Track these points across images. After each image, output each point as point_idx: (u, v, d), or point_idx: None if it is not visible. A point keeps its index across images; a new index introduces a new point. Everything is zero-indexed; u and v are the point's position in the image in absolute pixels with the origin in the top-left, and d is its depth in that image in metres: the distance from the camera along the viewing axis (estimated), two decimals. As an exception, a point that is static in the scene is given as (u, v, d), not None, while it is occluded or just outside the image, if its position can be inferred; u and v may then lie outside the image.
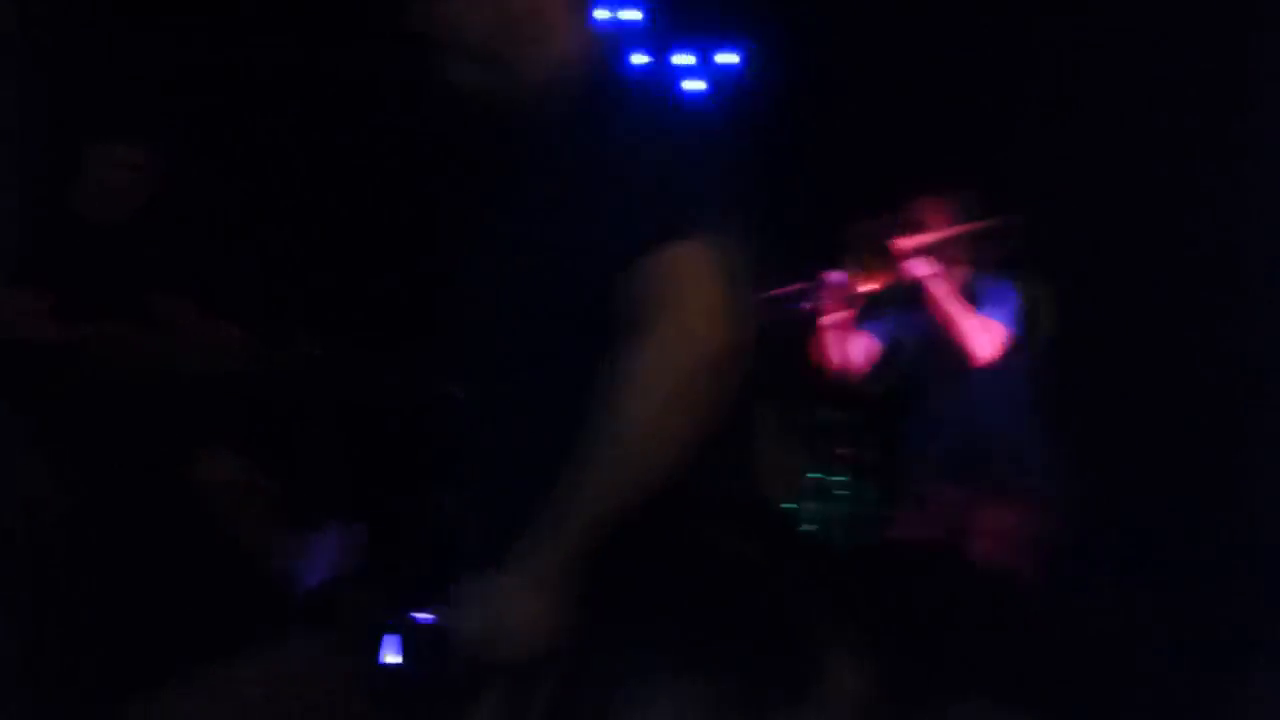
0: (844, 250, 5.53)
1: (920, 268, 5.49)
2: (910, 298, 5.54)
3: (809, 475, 6.82)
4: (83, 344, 4.95)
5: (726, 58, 7.35)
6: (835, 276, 5.62)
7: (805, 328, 5.64)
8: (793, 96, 7.06)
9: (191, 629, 4.01)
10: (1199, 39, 5.99)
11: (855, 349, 5.70)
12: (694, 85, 7.38)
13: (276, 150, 6.68)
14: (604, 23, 7.33)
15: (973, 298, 5.53)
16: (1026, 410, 5.57)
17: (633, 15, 7.40)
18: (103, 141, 5.19)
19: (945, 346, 5.51)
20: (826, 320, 5.66)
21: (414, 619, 5.65)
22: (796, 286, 5.62)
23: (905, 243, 5.48)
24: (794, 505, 6.79)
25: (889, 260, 5.47)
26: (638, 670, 1.51)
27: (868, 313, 5.66)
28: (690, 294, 2.16)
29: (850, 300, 5.63)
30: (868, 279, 5.54)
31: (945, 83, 6.64)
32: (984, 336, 5.45)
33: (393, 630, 5.61)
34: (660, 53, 7.39)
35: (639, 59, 7.38)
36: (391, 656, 5.63)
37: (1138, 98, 6.22)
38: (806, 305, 5.60)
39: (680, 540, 1.61)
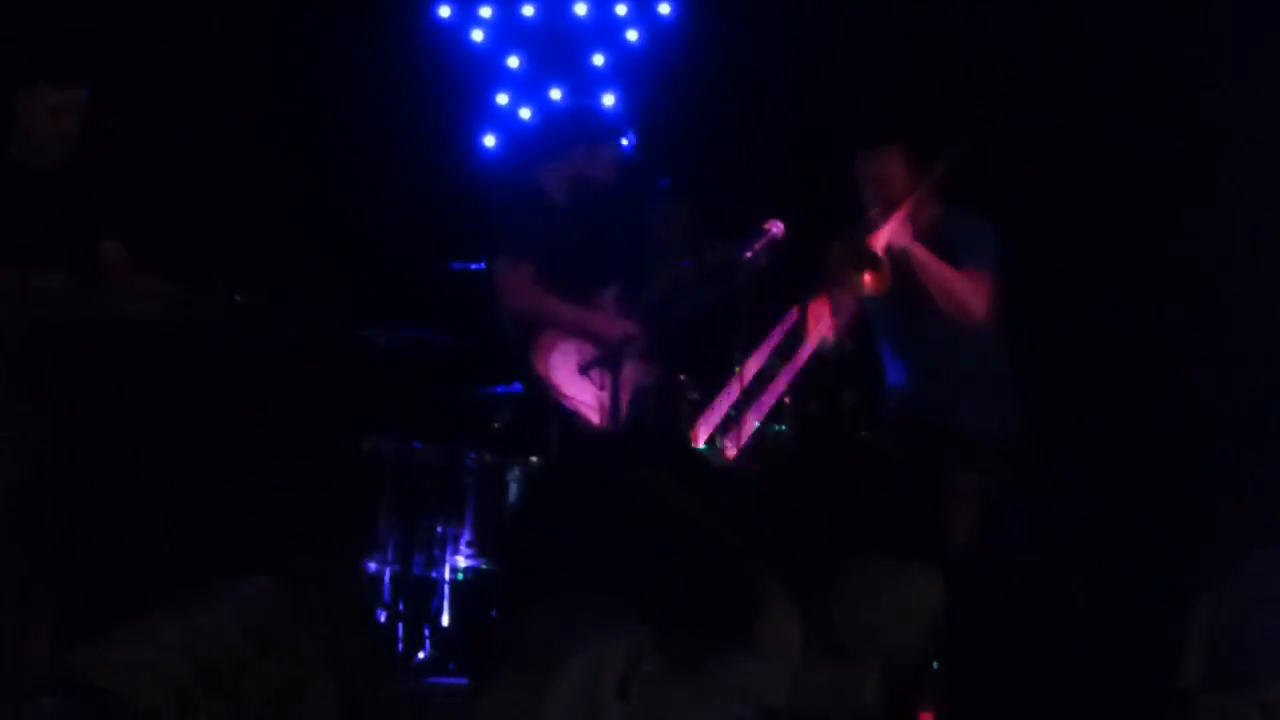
0: (826, 271, 5.55)
1: (899, 238, 5.47)
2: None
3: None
4: (28, 292, 4.93)
5: (662, 8, 7.31)
6: (777, 226, 5.60)
7: (751, 280, 5.61)
8: (730, 46, 7.03)
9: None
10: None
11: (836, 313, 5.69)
12: (631, 36, 7.33)
13: (203, 95, 6.62)
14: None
15: (948, 241, 5.51)
16: (990, 351, 5.59)
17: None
18: (33, 87, 5.16)
19: (908, 302, 5.52)
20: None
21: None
22: (743, 243, 5.60)
23: (882, 237, 5.47)
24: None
25: (875, 262, 5.46)
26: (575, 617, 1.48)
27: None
28: None
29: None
30: (859, 288, 5.54)
31: (886, 26, 6.61)
32: (974, 294, 5.44)
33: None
34: (597, 2, 7.33)
35: (578, 10, 7.31)
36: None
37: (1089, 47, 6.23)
38: (749, 255, 5.57)
39: (617, 490, 1.57)
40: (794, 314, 5.77)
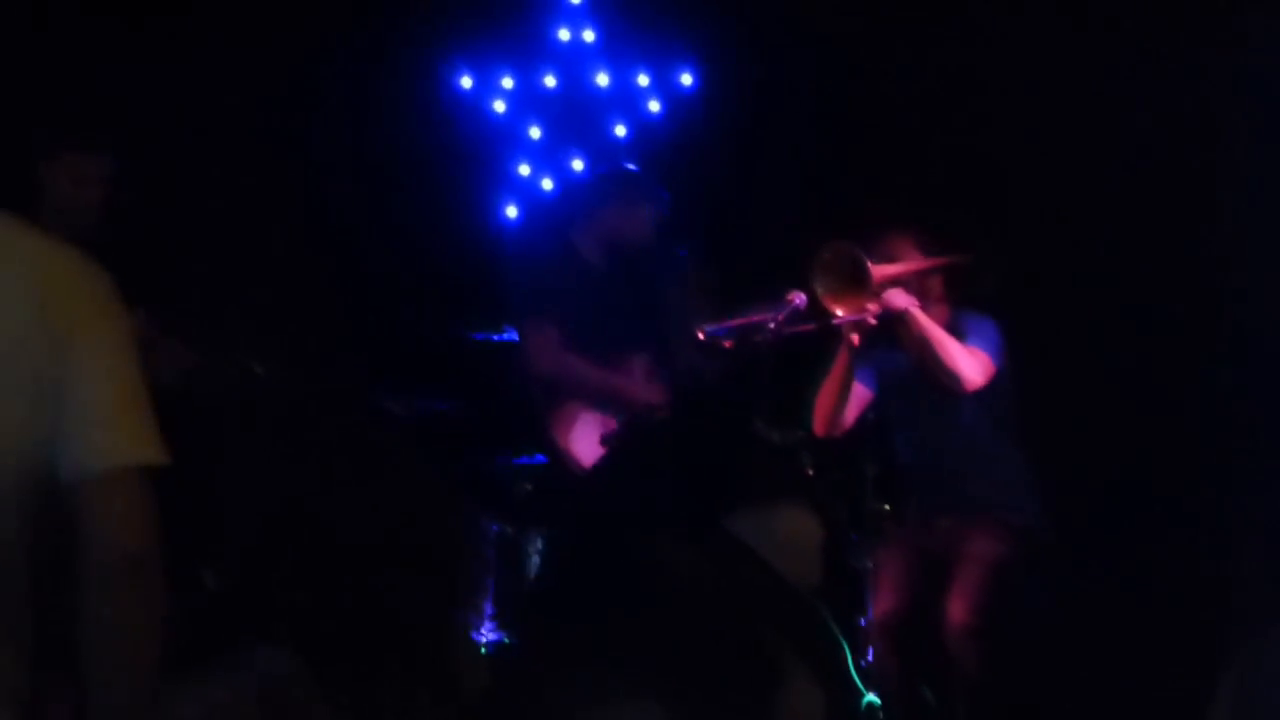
0: (813, 271, 5.49)
1: (898, 299, 5.47)
2: (886, 332, 5.52)
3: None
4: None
5: (683, 79, 7.33)
6: (800, 298, 5.58)
7: (773, 350, 5.60)
8: (750, 116, 7.05)
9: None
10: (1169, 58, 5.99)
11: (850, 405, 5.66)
12: (650, 106, 7.36)
13: (224, 162, 6.66)
14: (562, 44, 7.33)
15: (954, 334, 5.51)
16: (1007, 432, 5.57)
17: (589, 36, 7.37)
18: (58, 155, 5.17)
19: (924, 377, 5.49)
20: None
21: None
22: (762, 313, 5.58)
23: (881, 271, 5.45)
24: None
25: (863, 286, 5.44)
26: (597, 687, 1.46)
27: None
28: None
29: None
30: (841, 304, 5.49)
31: (904, 104, 6.63)
32: (971, 363, 5.43)
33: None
34: (617, 74, 7.35)
35: (598, 81, 7.34)
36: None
37: (1105, 131, 6.22)
38: (772, 325, 5.55)
39: (633, 564, 1.56)
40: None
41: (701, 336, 5.64)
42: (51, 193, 5.20)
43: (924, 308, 5.53)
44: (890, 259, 5.54)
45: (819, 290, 5.48)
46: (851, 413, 5.66)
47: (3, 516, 2.17)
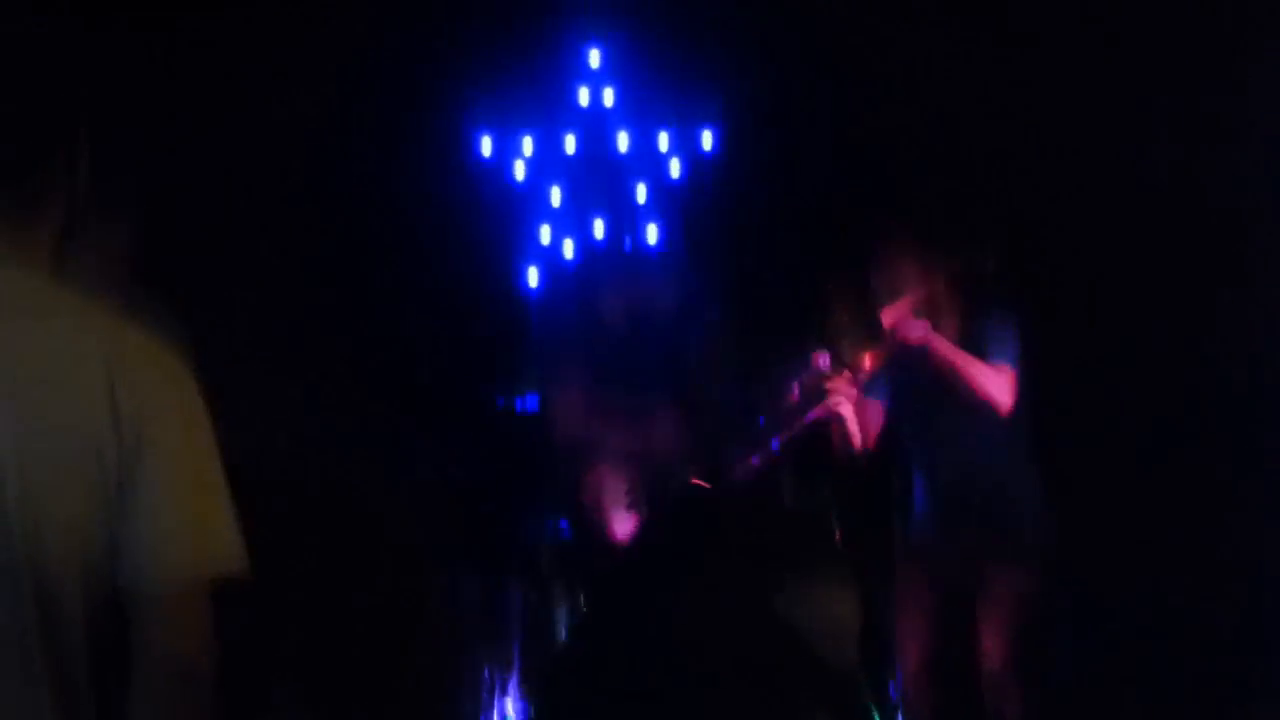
0: (831, 328, 5.49)
1: (914, 331, 5.44)
2: (905, 358, 5.50)
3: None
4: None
5: (704, 140, 7.34)
6: (825, 360, 5.58)
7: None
8: (770, 179, 7.07)
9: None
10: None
11: (868, 424, 5.64)
12: (671, 168, 7.36)
13: (241, 230, 6.67)
14: (581, 106, 7.34)
15: (971, 336, 5.48)
16: (1024, 457, 5.53)
17: (609, 98, 7.37)
18: (84, 225, 5.18)
19: (941, 400, 5.47)
20: (841, 407, 5.59)
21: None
22: (790, 374, 5.60)
23: (893, 312, 5.44)
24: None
25: (880, 332, 5.43)
26: None
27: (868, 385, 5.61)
28: None
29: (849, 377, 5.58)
30: (863, 356, 5.49)
31: (918, 155, 6.66)
32: (998, 383, 5.38)
33: None
34: (638, 136, 7.36)
35: (619, 143, 7.34)
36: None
37: (1108, 146, 6.24)
38: (796, 386, 5.57)
39: (659, 631, 1.53)
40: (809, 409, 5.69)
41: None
42: (75, 266, 5.21)
43: (938, 324, 5.49)
44: (895, 282, 5.53)
45: (837, 352, 5.49)
46: (870, 433, 5.64)
47: (66, 615, 2.05)
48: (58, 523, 2.02)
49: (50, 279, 2.17)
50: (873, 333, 5.47)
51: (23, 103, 2.16)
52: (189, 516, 2.07)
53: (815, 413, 5.55)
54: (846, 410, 5.54)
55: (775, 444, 5.62)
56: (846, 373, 5.53)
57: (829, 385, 5.54)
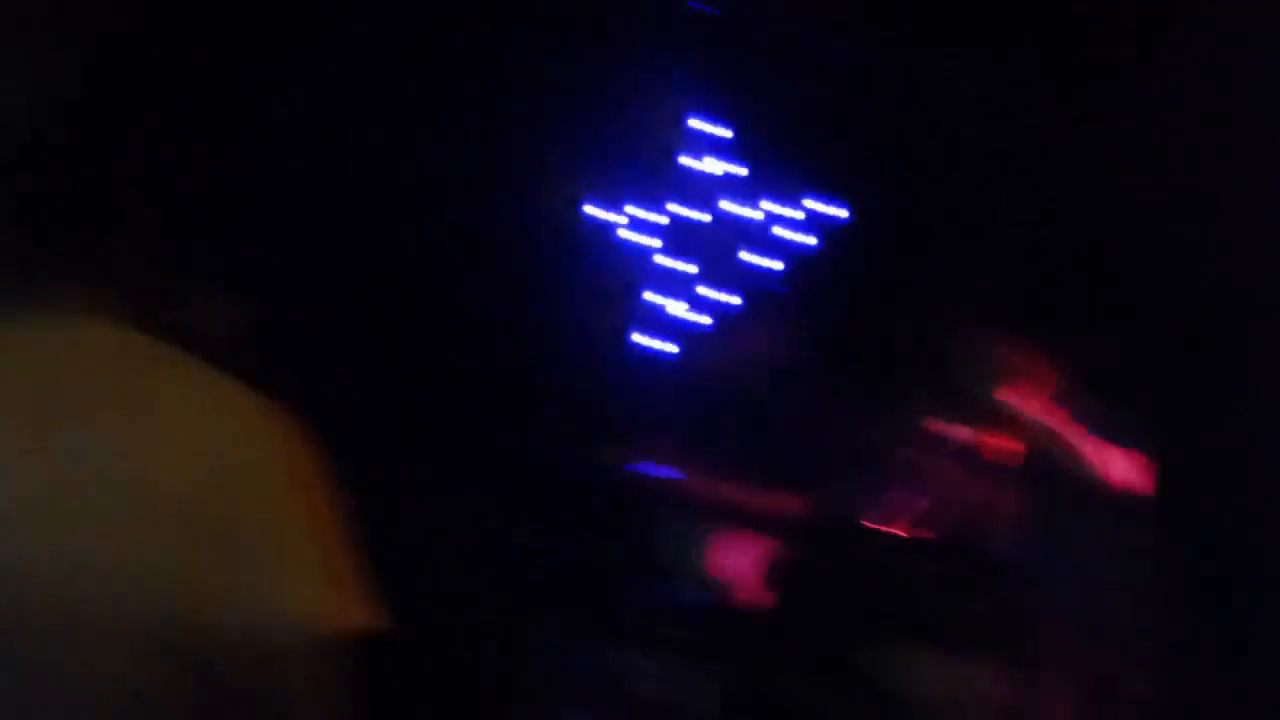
0: (959, 409, 5.51)
1: (1042, 412, 5.43)
2: (1032, 440, 5.49)
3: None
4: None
5: (833, 211, 7.33)
6: (949, 434, 5.60)
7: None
8: (902, 250, 7.06)
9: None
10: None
11: (995, 503, 5.63)
12: (800, 239, 7.35)
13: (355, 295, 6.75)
14: (711, 175, 7.36)
15: (1098, 427, 5.47)
16: (1149, 542, 5.49)
17: (738, 169, 7.39)
18: (194, 299, 5.25)
19: (1066, 482, 5.43)
20: (970, 489, 5.60)
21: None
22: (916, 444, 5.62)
23: (1024, 401, 5.44)
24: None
25: (1008, 413, 5.44)
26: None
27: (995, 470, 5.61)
28: None
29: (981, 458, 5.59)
30: (992, 437, 5.50)
31: (1047, 231, 6.65)
32: (1121, 467, 5.38)
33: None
34: (748, 201, 7.37)
35: (735, 210, 7.36)
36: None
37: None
38: (922, 468, 5.59)
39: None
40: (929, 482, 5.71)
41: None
42: (194, 336, 5.26)
43: (1064, 406, 5.48)
44: (1022, 363, 5.51)
45: (966, 432, 5.50)
46: (997, 511, 5.64)
47: (198, 679, 2.05)
48: (186, 586, 2.03)
49: (134, 331, 2.16)
50: (1001, 413, 5.48)
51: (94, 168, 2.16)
52: (318, 567, 2.08)
53: (942, 493, 5.57)
54: (974, 492, 5.57)
55: (897, 520, 5.62)
56: (973, 453, 5.55)
57: (946, 483, 5.58)
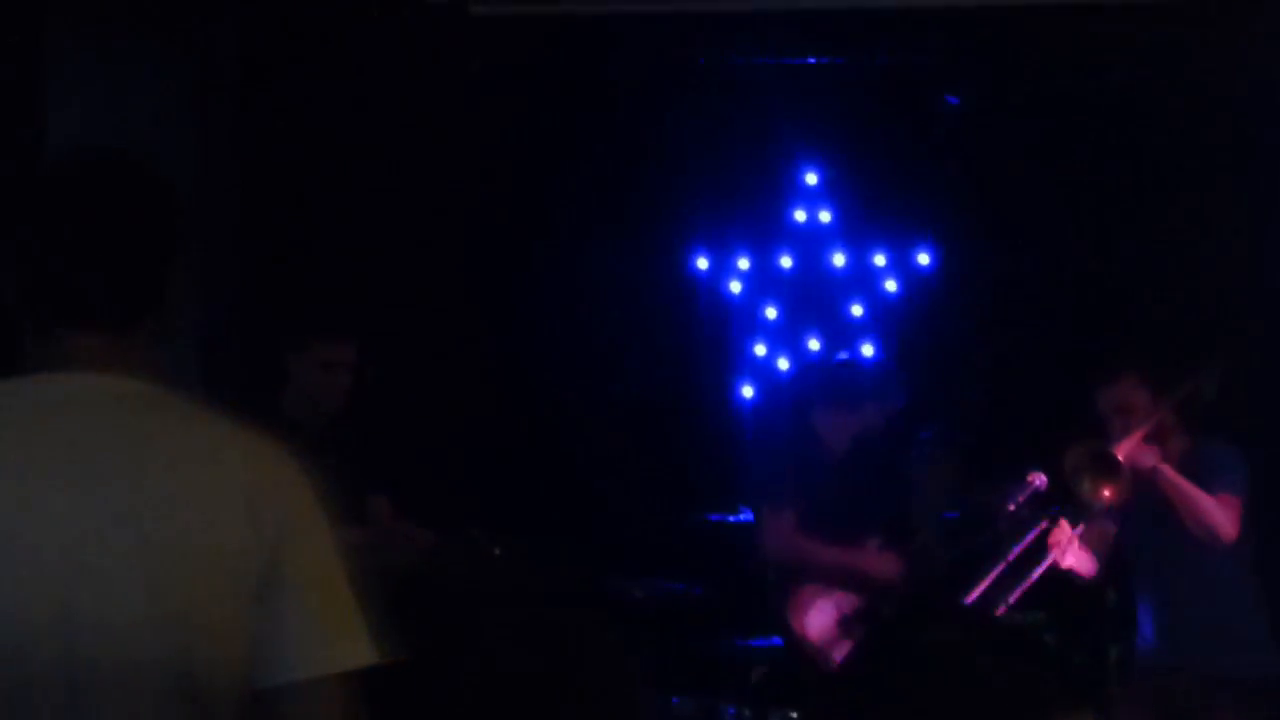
0: (1063, 461, 5.48)
1: (1146, 459, 5.38)
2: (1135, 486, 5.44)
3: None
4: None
5: (921, 258, 7.30)
6: (1040, 479, 5.56)
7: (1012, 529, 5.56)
8: (988, 296, 7.02)
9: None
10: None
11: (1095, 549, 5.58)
12: (888, 286, 7.33)
13: (455, 350, 6.79)
14: (798, 224, 7.35)
15: (1198, 466, 5.41)
16: (1253, 588, 5.42)
17: (825, 216, 7.38)
18: (305, 346, 5.29)
19: (1169, 528, 5.38)
20: (1065, 560, 5.55)
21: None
22: (1006, 494, 5.56)
23: (1124, 449, 5.40)
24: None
25: (1114, 472, 5.39)
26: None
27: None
28: None
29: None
30: (1098, 489, 5.45)
31: (1140, 280, 6.61)
32: (1224, 515, 5.31)
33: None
34: (855, 253, 7.35)
35: (835, 261, 7.34)
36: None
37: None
38: (1011, 507, 5.53)
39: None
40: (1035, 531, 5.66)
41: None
42: (300, 381, 5.32)
43: (1165, 448, 5.43)
44: (1121, 405, 5.47)
45: (1078, 492, 5.46)
46: (1097, 558, 5.58)
47: (218, 715, 2.21)
48: (208, 632, 2.20)
49: (173, 393, 2.33)
50: (1104, 464, 5.44)
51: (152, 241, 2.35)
52: (326, 615, 2.25)
53: (1039, 569, 5.54)
54: (1069, 561, 5.53)
55: (993, 579, 5.57)
56: (1065, 523, 5.53)
57: (1051, 540, 5.53)
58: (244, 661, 2.21)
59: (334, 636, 2.24)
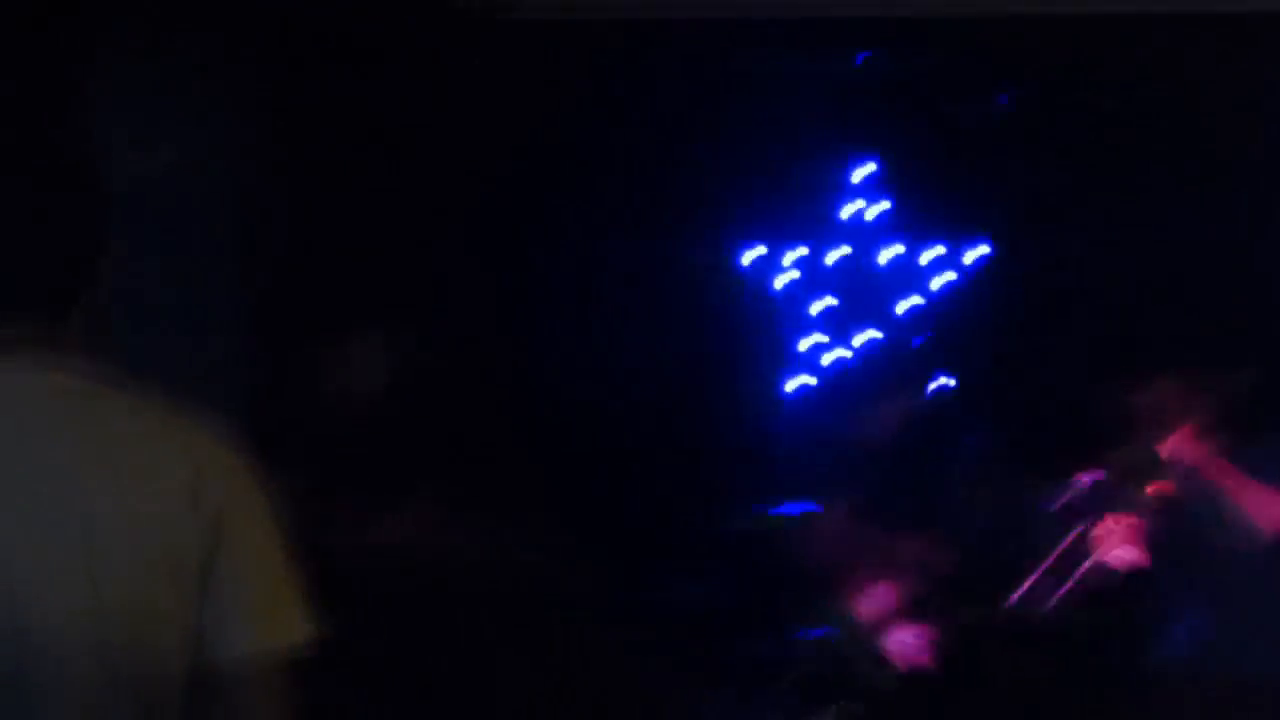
0: (1112, 459, 5.46)
1: (1194, 454, 5.36)
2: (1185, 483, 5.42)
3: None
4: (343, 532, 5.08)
5: (976, 250, 7.27)
6: (1089, 475, 5.55)
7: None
8: (1042, 290, 7.02)
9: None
10: None
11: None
12: (942, 280, 7.30)
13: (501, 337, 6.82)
14: (852, 217, 7.34)
15: (1248, 465, 5.37)
16: None
17: (879, 210, 7.36)
18: (343, 342, 5.33)
19: (1219, 524, 5.36)
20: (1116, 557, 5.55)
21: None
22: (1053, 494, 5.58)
23: (1172, 445, 5.39)
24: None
25: (1162, 468, 5.39)
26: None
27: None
28: None
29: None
30: (1145, 490, 5.46)
31: (1194, 274, 6.59)
32: (1273, 510, 5.29)
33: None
34: (910, 245, 7.32)
35: (886, 255, 7.32)
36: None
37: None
38: (1056, 508, 5.54)
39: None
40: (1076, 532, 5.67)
41: None
42: (338, 378, 5.36)
43: (1214, 443, 5.41)
44: (1171, 401, 5.46)
45: (1126, 488, 5.45)
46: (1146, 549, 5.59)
47: (161, 697, 2.25)
48: (152, 614, 2.23)
49: (102, 374, 2.33)
50: (1153, 460, 5.44)
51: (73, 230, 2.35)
52: (266, 593, 2.31)
53: (1090, 565, 5.54)
54: (1116, 557, 5.53)
55: (1040, 575, 5.58)
56: (1112, 518, 5.51)
57: (1096, 535, 5.52)
58: (189, 646, 2.26)
59: (271, 614, 2.29)
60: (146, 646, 2.23)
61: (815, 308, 7.38)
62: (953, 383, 6.38)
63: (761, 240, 7.38)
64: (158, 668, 2.24)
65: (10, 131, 2.49)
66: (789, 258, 7.40)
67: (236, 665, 2.27)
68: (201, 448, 2.31)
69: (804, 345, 7.38)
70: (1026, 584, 5.62)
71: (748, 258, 7.40)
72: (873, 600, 5.72)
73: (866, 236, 7.36)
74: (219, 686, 2.27)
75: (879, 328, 7.28)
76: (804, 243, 7.39)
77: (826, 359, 7.34)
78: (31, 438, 2.25)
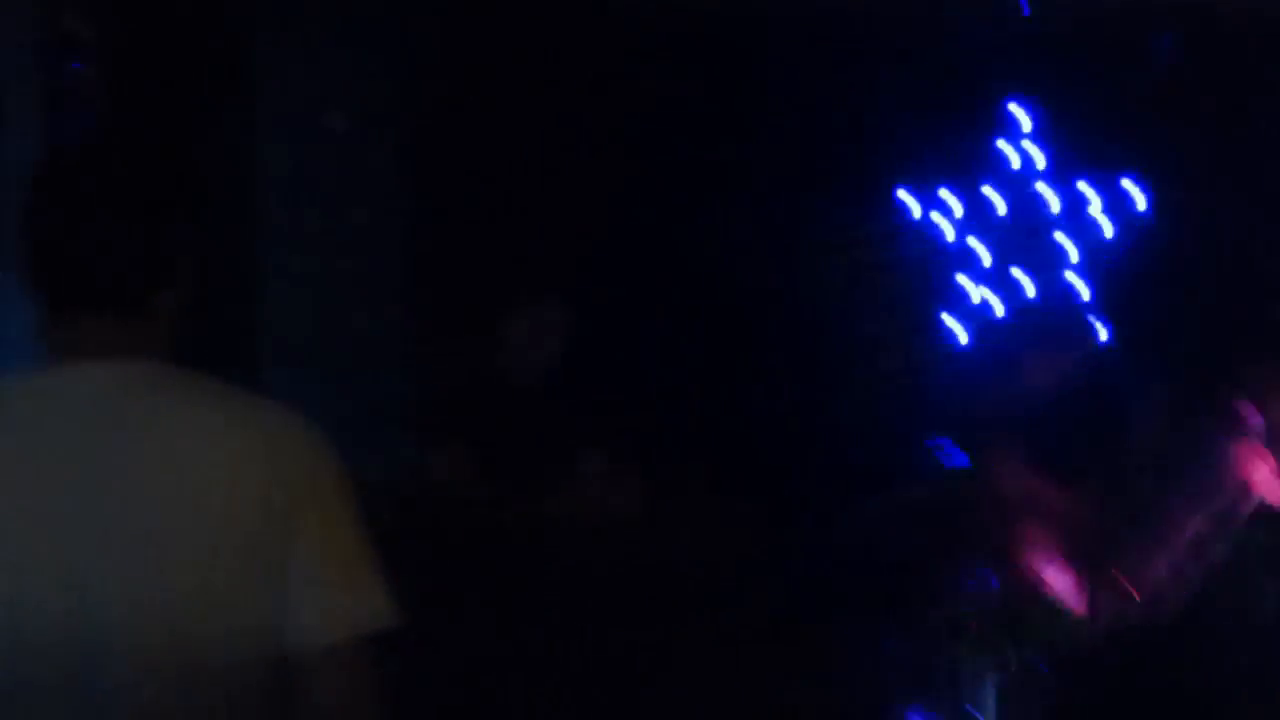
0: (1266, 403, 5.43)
1: None
2: None
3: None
4: (512, 504, 5.19)
5: (1137, 200, 7.21)
6: (1256, 418, 5.53)
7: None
8: (1204, 240, 6.93)
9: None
10: None
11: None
12: (1103, 228, 7.25)
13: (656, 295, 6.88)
14: (1011, 165, 7.30)
15: None
16: None
17: (1039, 157, 7.32)
18: (519, 309, 5.45)
19: None
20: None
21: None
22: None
23: None
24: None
25: None
26: None
27: None
28: None
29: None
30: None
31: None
32: None
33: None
34: (1064, 187, 7.28)
35: (1047, 200, 7.28)
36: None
37: None
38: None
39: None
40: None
41: None
42: (513, 343, 5.48)
43: None
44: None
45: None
46: None
47: (239, 685, 2.27)
48: (225, 607, 2.25)
49: (182, 370, 2.36)
50: None
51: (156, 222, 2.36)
52: (343, 580, 2.31)
53: (1245, 507, 5.49)
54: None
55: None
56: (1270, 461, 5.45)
57: (1255, 474, 5.47)
58: (265, 636, 2.27)
59: (350, 602, 2.30)
60: (221, 638, 2.24)
61: (981, 254, 7.37)
62: (1113, 333, 6.33)
63: (926, 185, 7.37)
64: (234, 658, 2.24)
65: (92, 135, 2.46)
66: (949, 202, 7.38)
67: (313, 655, 2.28)
68: (274, 440, 2.31)
69: (966, 290, 7.38)
70: (1190, 531, 5.58)
71: (915, 208, 7.39)
72: (1043, 550, 5.73)
73: (1027, 182, 7.32)
74: (300, 676, 2.28)
75: (1039, 275, 7.25)
76: (965, 188, 7.37)
77: (987, 304, 7.33)
78: (103, 434, 2.26)
